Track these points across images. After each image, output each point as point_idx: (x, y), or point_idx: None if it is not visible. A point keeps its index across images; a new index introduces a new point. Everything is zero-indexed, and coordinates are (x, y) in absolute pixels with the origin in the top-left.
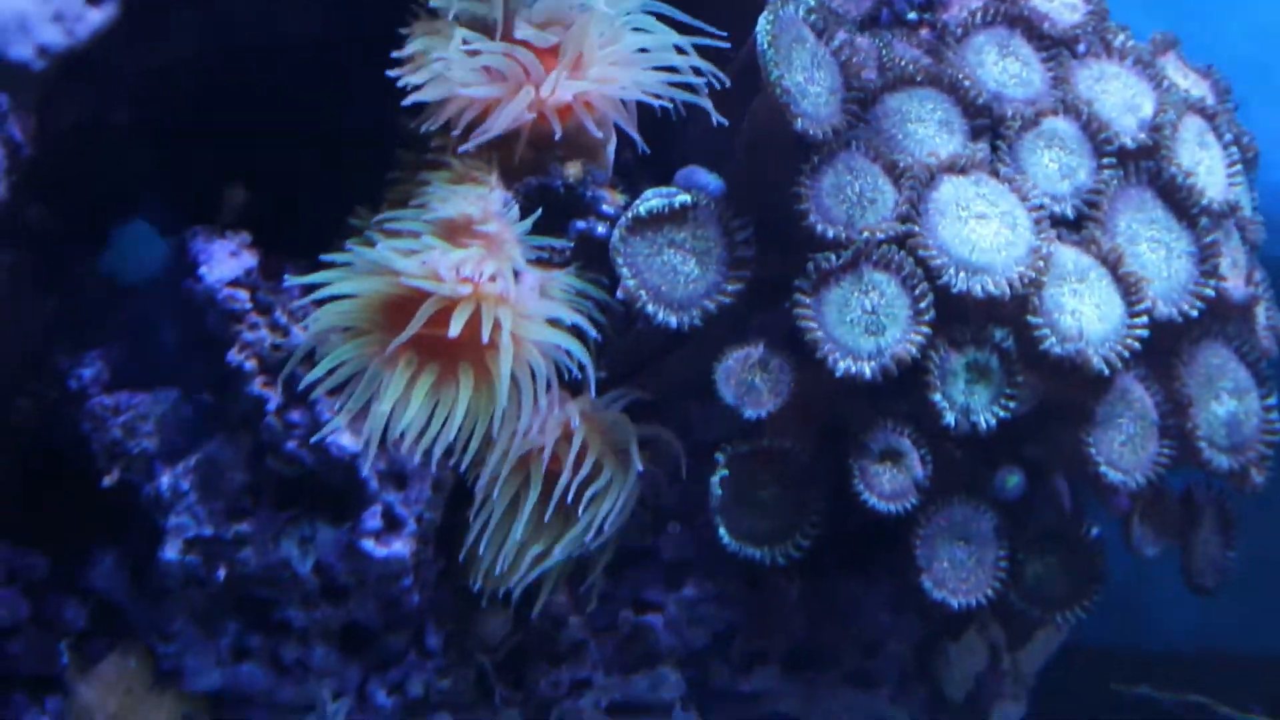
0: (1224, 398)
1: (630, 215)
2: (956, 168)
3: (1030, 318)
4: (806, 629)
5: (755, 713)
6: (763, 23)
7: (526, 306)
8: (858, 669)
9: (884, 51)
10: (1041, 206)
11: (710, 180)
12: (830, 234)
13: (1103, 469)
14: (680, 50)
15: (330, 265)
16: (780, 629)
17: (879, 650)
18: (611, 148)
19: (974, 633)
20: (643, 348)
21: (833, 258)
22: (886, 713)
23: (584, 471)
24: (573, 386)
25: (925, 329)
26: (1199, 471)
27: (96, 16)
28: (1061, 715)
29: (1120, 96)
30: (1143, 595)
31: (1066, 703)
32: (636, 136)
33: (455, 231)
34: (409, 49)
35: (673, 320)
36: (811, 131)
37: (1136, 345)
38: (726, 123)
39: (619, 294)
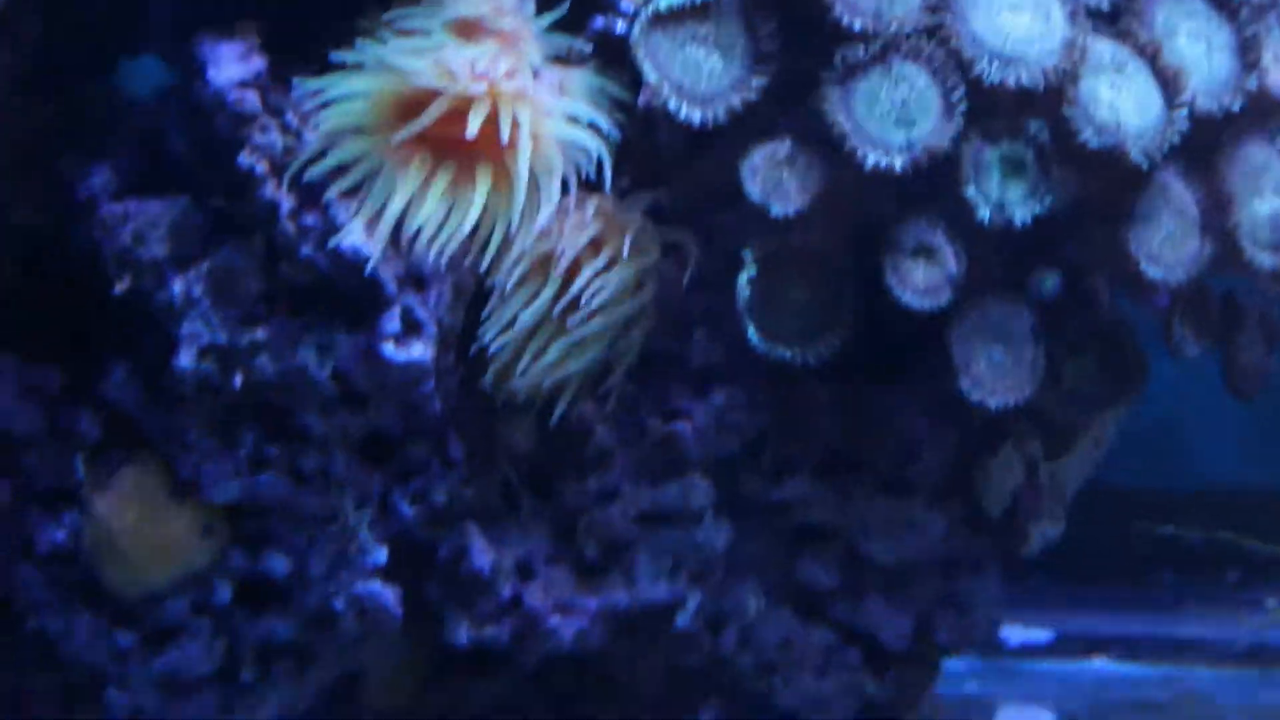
0: (1266, 195)
1: (650, 10)
2: None
3: (1066, 110)
4: (839, 437)
5: (788, 523)
6: None
7: (545, 104)
8: (893, 477)
9: None
10: None
11: None
12: (857, 26)
13: (1142, 265)
14: None
15: (341, 66)
16: (812, 436)
17: (914, 458)
18: None
19: (1011, 448)
20: (665, 152)
21: (860, 50)
22: (923, 519)
23: (599, 264)
24: (592, 188)
25: (958, 120)
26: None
27: None
28: (1085, 552)
29: None
30: (1176, 436)
31: (1092, 543)
32: None
33: (469, 29)
34: None
35: (696, 115)
36: None
37: (1176, 139)
38: None
39: (640, 100)
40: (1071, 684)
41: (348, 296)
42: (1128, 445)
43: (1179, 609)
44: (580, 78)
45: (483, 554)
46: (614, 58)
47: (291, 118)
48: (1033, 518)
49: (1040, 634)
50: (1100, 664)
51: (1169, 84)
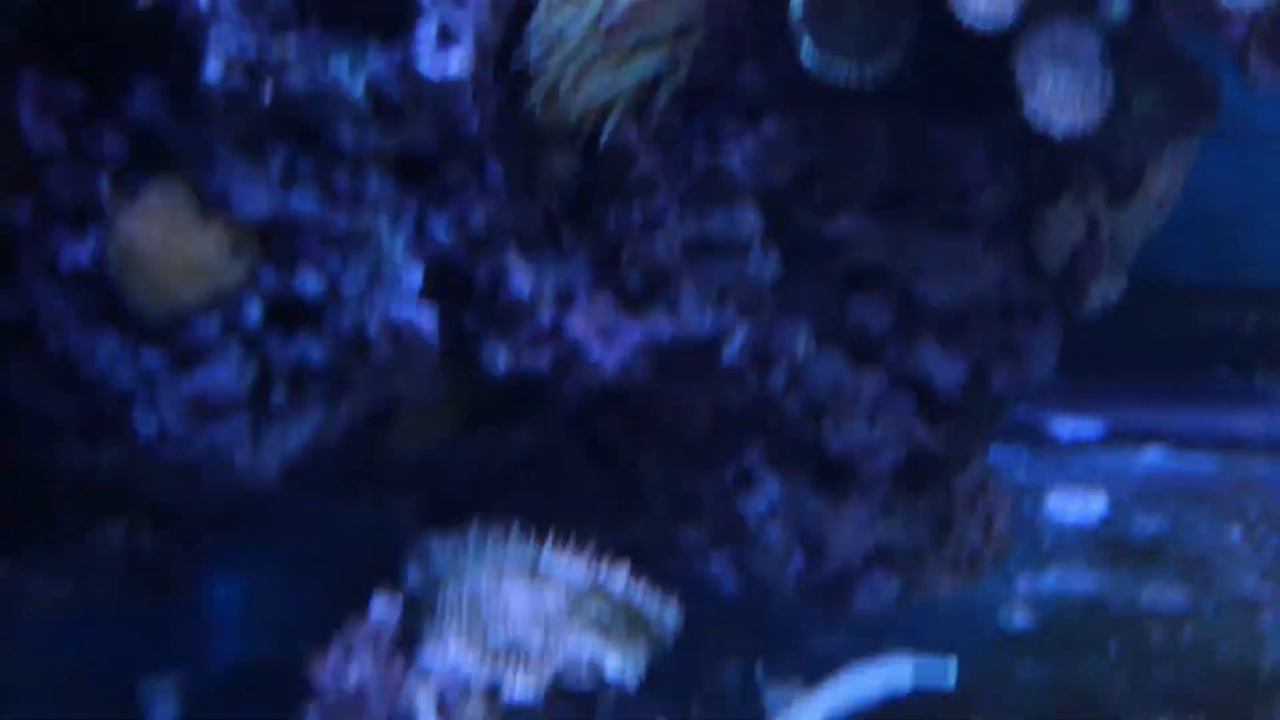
0: None
1: None
2: None
3: None
4: (894, 171)
5: (839, 263)
6: None
7: None
8: (949, 214)
9: None
10: None
11: None
12: None
13: None
14: None
15: None
16: (866, 170)
17: (972, 196)
18: None
19: (1072, 201)
20: None
21: None
22: (980, 260)
23: None
24: None
25: None
26: None
27: None
28: (1140, 346)
29: None
30: (1237, 230)
31: (1148, 337)
32: None
33: None
34: None
35: None
36: None
37: None
38: None
39: None
40: (1124, 474)
41: (382, 5)
42: (1188, 239)
43: (1236, 403)
44: None
45: (522, 279)
46: None
47: None
48: (1092, 275)
49: (1092, 427)
50: (1154, 455)
51: None
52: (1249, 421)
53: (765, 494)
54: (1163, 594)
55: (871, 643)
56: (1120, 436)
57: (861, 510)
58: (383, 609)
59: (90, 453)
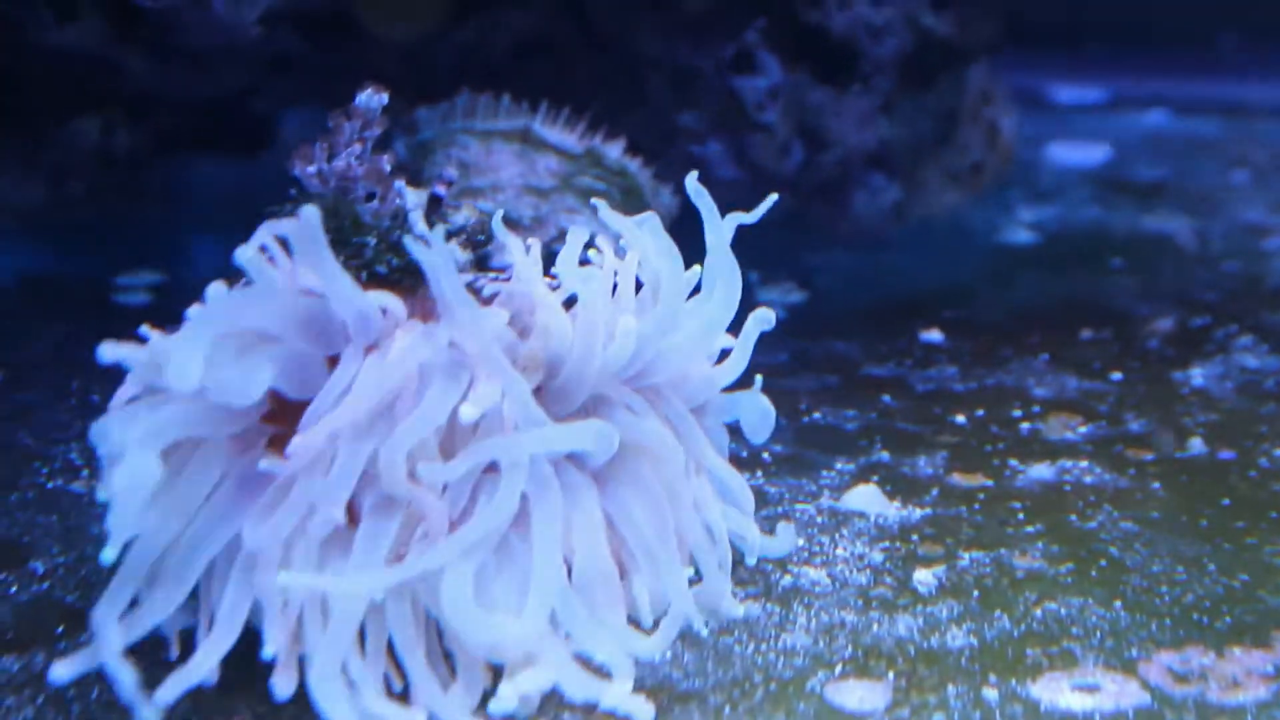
0: None
1: None
2: None
3: None
4: None
5: None
6: None
7: None
8: None
9: None
10: None
11: None
12: None
13: None
14: None
15: None
16: None
17: None
18: None
19: None
20: None
21: None
22: None
23: None
24: None
25: None
26: None
27: None
28: (1143, 11)
29: None
30: None
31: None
32: None
33: None
34: None
35: None
36: None
37: None
38: None
39: None
40: (1127, 130)
41: None
42: None
43: (1241, 71)
44: None
45: None
46: None
47: None
48: None
49: (1095, 93)
50: (1157, 116)
51: None
52: (1254, 90)
53: (766, 75)
54: (1166, 222)
55: (873, 254)
56: (1124, 101)
57: (864, 101)
58: (368, 98)
59: (62, 31)
